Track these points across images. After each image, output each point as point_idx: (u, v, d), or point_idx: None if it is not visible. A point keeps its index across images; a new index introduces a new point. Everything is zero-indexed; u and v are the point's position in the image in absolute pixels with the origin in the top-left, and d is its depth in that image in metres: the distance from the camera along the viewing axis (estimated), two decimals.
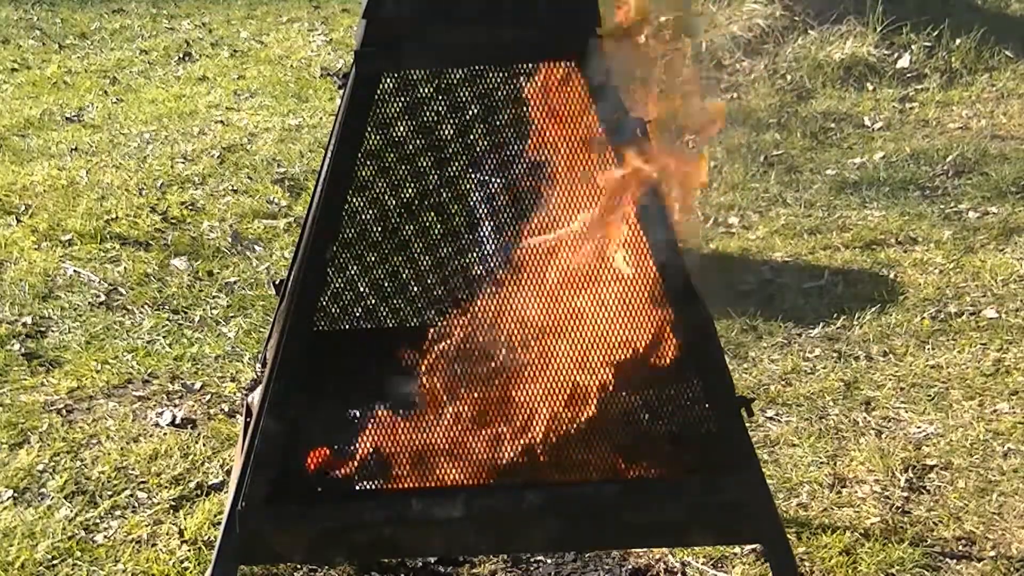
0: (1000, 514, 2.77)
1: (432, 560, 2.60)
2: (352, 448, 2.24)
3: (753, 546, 2.59)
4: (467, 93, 2.12)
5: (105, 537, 2.74)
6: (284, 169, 4.98)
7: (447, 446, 2.19)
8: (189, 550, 2.66)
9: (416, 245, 2.19)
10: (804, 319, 3.65)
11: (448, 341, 2.18)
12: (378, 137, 2.13)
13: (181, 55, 6.86)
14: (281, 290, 2.55)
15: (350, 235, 2.16)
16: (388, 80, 2.10)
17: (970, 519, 2.74)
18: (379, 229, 2.18)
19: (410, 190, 2.18)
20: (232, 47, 7.02)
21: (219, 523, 2.40)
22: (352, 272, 2.20)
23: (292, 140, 5.37)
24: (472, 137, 2.13)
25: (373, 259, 2.20)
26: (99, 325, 3.70)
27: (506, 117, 2.12)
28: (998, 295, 3.78)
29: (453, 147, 2.14)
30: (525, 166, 2.12)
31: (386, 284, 2.22)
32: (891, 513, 2.77)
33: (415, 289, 2.21)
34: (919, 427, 3.12)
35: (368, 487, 2.20)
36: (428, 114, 2.13)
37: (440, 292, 2.20)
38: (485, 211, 2.16)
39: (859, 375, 3.36)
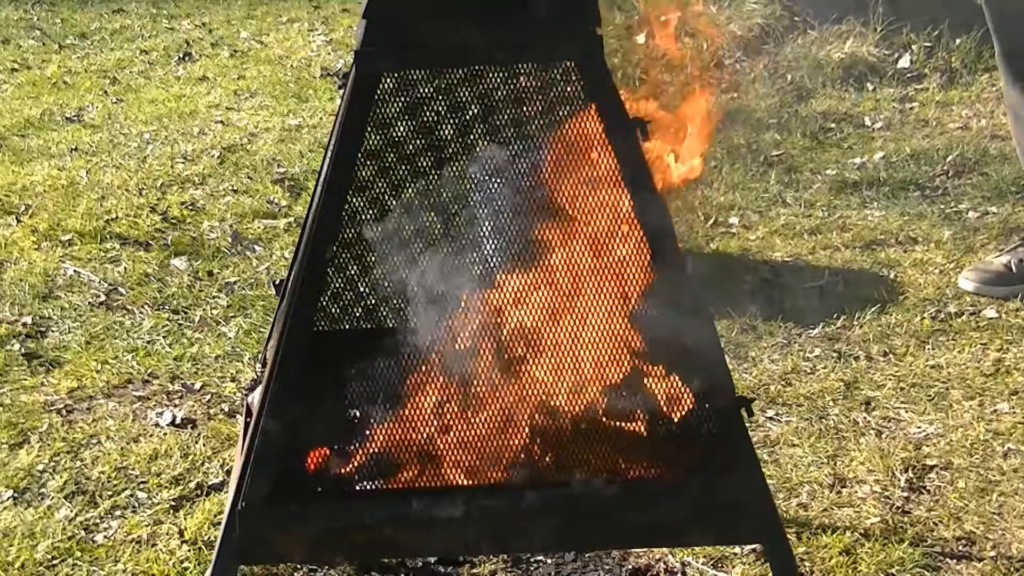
0: (1000, 514, 2.77)
1: (432, 560, 2.60)
2: (352, 448, 2.24)
3: (753, 546, 2.59)
4: (467, 93, 2.12)
5: (105, 537, 2.74)
6: (284, 169, 4.98)
7: (447, 446, 2.19)
8: (189, 550, 2.66)
9: (416, 245, 2.19)
10: (804, 319, 3.65)
11: (448, 341, 2.18)
12: (378, 137, 2.13)
13: (181, 55, 6.86)
14: (281, 290, 2.55)
15: (350, 235, 2.16)
16: (388, 80, 2.10)
17: (970, 519, 2.74)
18: (379, 229, 2.18)
19: (410, 190, 2.18)
20: (232, 47, 7.02)
21: (219, 523, 2.40)
22: (352, 272, 2.20)
23: (292, 140, 5.37)
24: (472, 137, 2.13)
25: (373, 259, 2.20)
26: (99, 325, 3.70)
27: (506, 117, 2.12)
28: (998, 295, 3.78)
29: (453, 147, 2.14)
30: (525, 166, 2.12)
31: (386, 284, 2.22)
32: (891, 513, 2.77)
33: (415, 289, 2.21)
34: (919, 427, 3.12)
35: (368, 487, 2.20)
36: (428, 114, 2.13)
37: (440, 292, 2.20)
38: (485, 211, 2.16)
39: (859, 375, 3.36)
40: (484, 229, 2.17)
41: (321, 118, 5.66)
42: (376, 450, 2.22)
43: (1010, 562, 2.59)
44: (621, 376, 2.18)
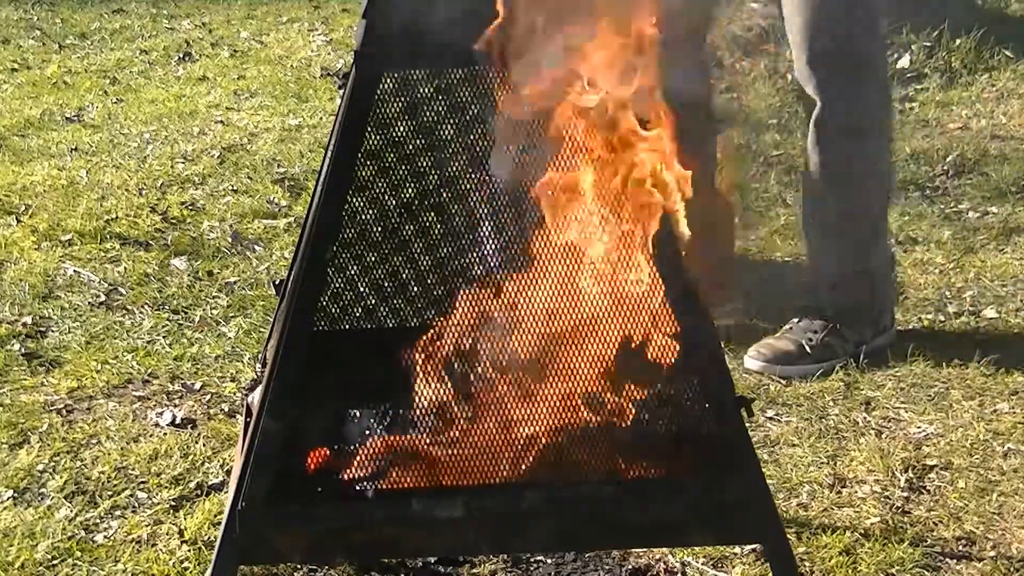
0: (1000, 514, 2.77)
1: (432, 560, 2.60)
2: (352, 448, 2.24)
3: (753, 546, 2.59)
4: (467, 93, 2.12)
5: (105, 537, 2.74)
6: (284, 169, 4.98)
7: (447, 446, 2.19)
8: (189, 550, 2.66)
9: (416, 245, 2.19)
10: None
11: (448, 341, 2.18)
12: (378, 137, 2.13)
13: (181, 55, 6.86)
14: (281, 290, 2.55)
15: (350, 235, 2.16)
16: (388, 80, 2.10)
17: (970, 519, 2.74)
18: (379, 229, 2.18)
19: (410, 190, 2.18)
20: (232, 47, 7.02)
21: (219, 523, 2.40)
22: (352, 272, 2.20)
23: (292, 140, 5.37)
24: (472, 137, 2.13)
25: (373, 259, 2.20)
26: (99, 325, 3.70)
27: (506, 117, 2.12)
28: (998, 295, 3.78)
29: (453, 147, 2.14)
30: (525, 165, 2.12)
31: (386, 284, 2.22)
32: (891, 513, 2.77)
33: (415, 289, 2.21)
34: (919, 427, 3.12)
35: (368, 487, 2.20)
36: (428, 114, 2.13)
37: (440, 292, 2.20)
38: (485, 211, 2.16)
39: (859, 375, 3.36)
40: (484, 229, 2.17)
41: (321, 118, 5.66)
42: (376, 450, 2.22)
43: (1010, 562, 2.59)
44: (621, 376, 2.18)
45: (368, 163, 2.13)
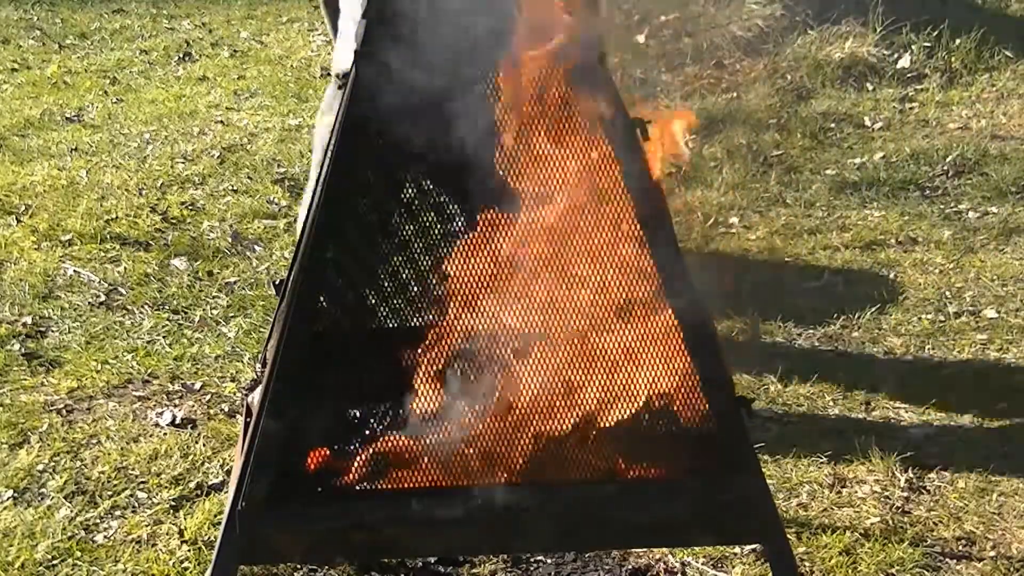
0: (1000, 514, 2.77)
1: (432, 560, 2.60)
2: (352, 448, 2.24)
3: (753, 546, 2.59)
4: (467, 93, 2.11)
5: (105, 537, 2.74)
6: (284, 169, 4.98)
7: (447, 446, 2.19)
8: (189, 550, 2.67)
9: (416, 245, 2.19)
10: (804, 319, 3.65)
11: (447, 341, 2.18)
12: (378, 137, 2.13)
13: (181, 55, 6.86)
14: (281, 290, 2.55)
15: (350, 235, 2.16)
16: (388, 80, 2.10)
17: (970, 519, 2.74)
18: (379, 229, 2.18)
19: (410, 190, 2.19)
20: (232, 47, 7.02)
21: (219, 523, 2.40)
22: (352, 272, 2.20)
23: (292, 140, 5.37)
24: (472, 138, 2.13)
25: (373, 259, 2.20)
26: (99, 325, 3.70)
27: (506, 117, 2.12)
28: (998, 295, 3.78)
29: (453, 147, 2.14)
30: (524, 165, 2.12)
31: (386, 284, 2.22)
32: (891, 513, 2.77)
33: (415, 289, 2.21)
34: (919, 427, 3.12)
35: (368, 487, 2.20)
36: (428, 115, 2.13)
37: (440, 292, 2.20)
38: (485, 210, 2.16)
39: (859, 375, 3.36)
40: (482, 227, 2.17)
41: None
42: (376, 450, 2.22)
43: (1010, 562, 2.59)
44: (621, 377, 2.18)
45: (368, 163, 2.13)
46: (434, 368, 2.19)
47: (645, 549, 2.62)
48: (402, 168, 2.18)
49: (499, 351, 2.16)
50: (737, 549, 2.62)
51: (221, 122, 5.66)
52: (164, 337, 3.64)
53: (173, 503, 2.85)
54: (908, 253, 4.09)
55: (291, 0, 8.04)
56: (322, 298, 2.18)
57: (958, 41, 5.82)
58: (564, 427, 2.18)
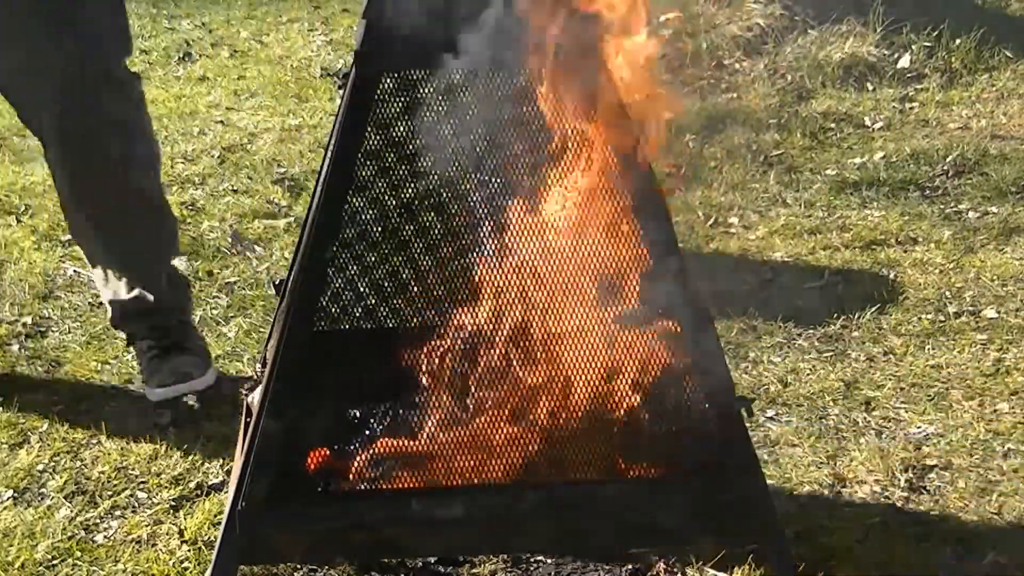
0: (1000, 514, 2.77)
1: (432, 560, 2.60)
2: (352, 448, 2.24)
3: (753, 546, 2.59)
4: (467, 93, 2.12)
5: (105, 537, 2.74)
6: (284, 169, 4.98)
7: (447, 446, 2.19)
8: (189, 550, 2.66)
9: (416, 245, 2.20)
10: (804, 319, 3.65)
11: (447, 341, 2.18)
12: (378, 137, 2.13)
13: (181, 55, 6.86)
14: (281, 290, 2.55)
15: (350, 235, 2.17)
16: (388, 80, 2.10)
17: (970, 519, 2.74)
18: (379, 229, 2.18)
19: (410, 190, 2.19)
20: (232, 47, 7.01)
21: (219, 523, 2.40)
22: (352, 272, 2.20)
23: (292, 140, 5.36)
24: (472, 137, 2.13)
25: (373, 259, 2.20)
26: (99, 325, 3.70)
27: (506, 117, 2.12)
28: (998, 295, 3.78)
29: (453, 147, 2.14)
30: (525, 165, 2.13)
31: (386, 284, 2.22)
32: (891, 513, 2.77)
33: (415, 289, 2.22)
34: (919, 427, 3.12)
35: (368, 487, 2.20)
36: (428, 114, 2.13)
37: (440, 292, 2.20)
38: (485, 211, 2.17)
39: (859, 375, 3.36)
40: (483, 230, 2.17)
41: (321, 118, 5.66)
42: (376, 450, 2.22)
43: (1010, 562, 2.59)
44: (621, 376, 2.19)
45: (368, 163, 2.14)
46: (434, 368, 2.19)
47: (645, 549, 2.61)
48: (403, 168, 2.18)
49: (499, 351, 2.16)
50: (737, 549, 2.61)
51: (221, 122, 5.66)
52: None
53: (173, 503, 2.85)
54: (908, 253, 4.09)
55: (291, 0, 8.04)
56: (322, 298, 2.18)
57: (958, 41, 5.82)
58: (565, 427, 2.18)
